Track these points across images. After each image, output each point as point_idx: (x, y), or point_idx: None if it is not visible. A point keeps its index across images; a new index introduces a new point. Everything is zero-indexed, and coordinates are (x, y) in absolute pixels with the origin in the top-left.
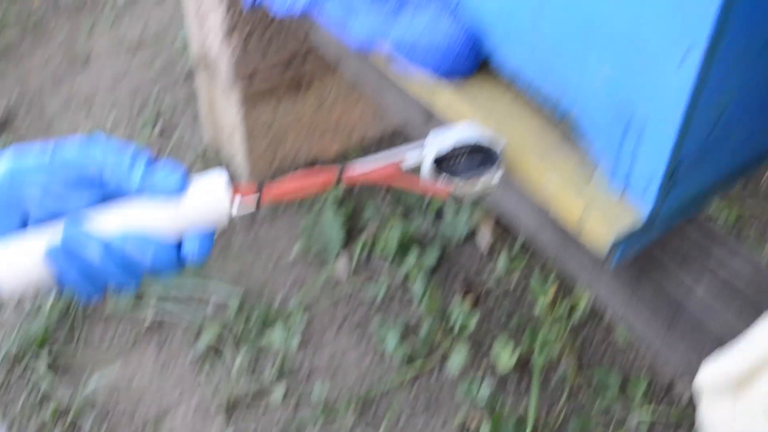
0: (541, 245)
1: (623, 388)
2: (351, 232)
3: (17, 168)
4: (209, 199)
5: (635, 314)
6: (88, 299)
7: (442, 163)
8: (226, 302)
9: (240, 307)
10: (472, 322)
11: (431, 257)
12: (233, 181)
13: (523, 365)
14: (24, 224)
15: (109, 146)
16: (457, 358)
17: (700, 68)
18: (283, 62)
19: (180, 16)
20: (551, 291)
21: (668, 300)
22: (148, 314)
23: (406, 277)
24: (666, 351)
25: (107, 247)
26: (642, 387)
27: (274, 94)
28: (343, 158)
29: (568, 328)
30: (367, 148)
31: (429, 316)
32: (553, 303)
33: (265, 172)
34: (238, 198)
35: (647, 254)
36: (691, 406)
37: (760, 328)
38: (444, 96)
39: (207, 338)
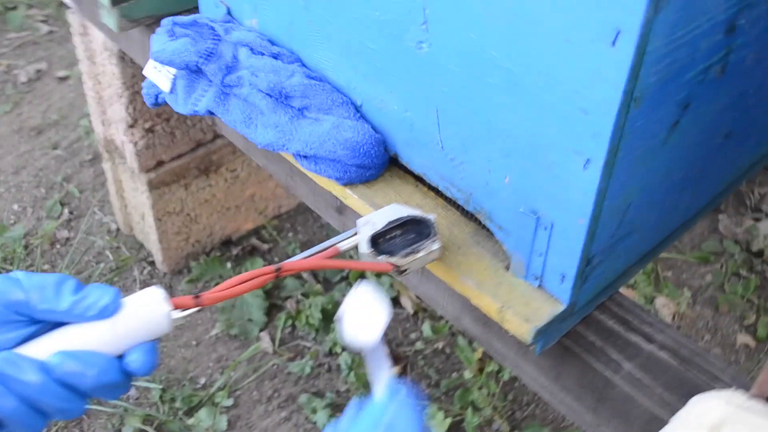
0: (463, 328)
1: None
2: (272, 308)
3: None
4: (147, 317)
5: (563, 394)
6: None
7: (378, 242)
8: (148, 386)
9: (163, 391)
10: None
11: None
12: (167, 292)
13: (456, 429)
14: None
15: (30, 278)
16: None
17: (603, 171)
18: (188, 150)
19: (84, 95)
20: (478, 351)
21: (596, 377)
22: None
23: (332, 349)
24: (597, 429)
25: (46, 367)
26: None
27: (182, 179)
28: (258, 232)
29: (499, 387)
30: (283, 221)
31: (358, 387)
32: (481, 362)
33: (179, 253)
34: (177, 312)
35: (571, 332)
36: None
37: (686, 416)
38: (355, 191)
39: (131, 425)
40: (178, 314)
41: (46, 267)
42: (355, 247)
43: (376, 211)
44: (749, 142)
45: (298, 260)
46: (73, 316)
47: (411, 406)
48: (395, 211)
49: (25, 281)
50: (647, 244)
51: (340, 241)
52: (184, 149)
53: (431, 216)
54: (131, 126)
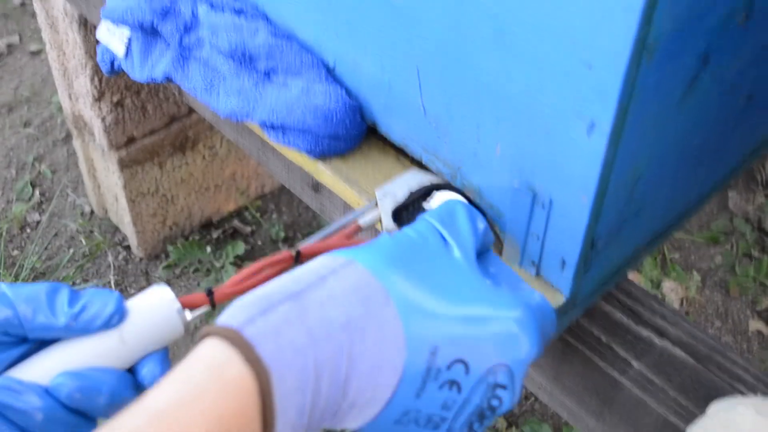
0: None
1: None
2: None
3: None
4: (158, 322)
5: (563, 396)
6: None
7: (400, 214)
8: None
9: None
10: None
11: None
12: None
13: None
14: None
15: (17, 291)
16: None
17: (610, 138)
18: (162, 126)
19: None
20: None
21: (600, 377)
22: None
23: None
24: None
25: (49, 392)
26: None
27: (156, 157)
28: (240, 214)
29: None
30: (267, 201)
31: None
32: None
33: (155, 236)
34: (187, 312)
35: (573, 326)
36: None
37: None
38: (328, 165)
39: None
40: (190, 315)
41: (15, 253)
42: (376, 222)
43: (393, 179)
44: None
45: (317, 242)
46: (74, 330)
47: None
48: (415, 179)
49: (12, 295)
50: (658, 224)
51: (359, 216)
52: (158, 125)
53: (454, 180)
54: (98, 100)
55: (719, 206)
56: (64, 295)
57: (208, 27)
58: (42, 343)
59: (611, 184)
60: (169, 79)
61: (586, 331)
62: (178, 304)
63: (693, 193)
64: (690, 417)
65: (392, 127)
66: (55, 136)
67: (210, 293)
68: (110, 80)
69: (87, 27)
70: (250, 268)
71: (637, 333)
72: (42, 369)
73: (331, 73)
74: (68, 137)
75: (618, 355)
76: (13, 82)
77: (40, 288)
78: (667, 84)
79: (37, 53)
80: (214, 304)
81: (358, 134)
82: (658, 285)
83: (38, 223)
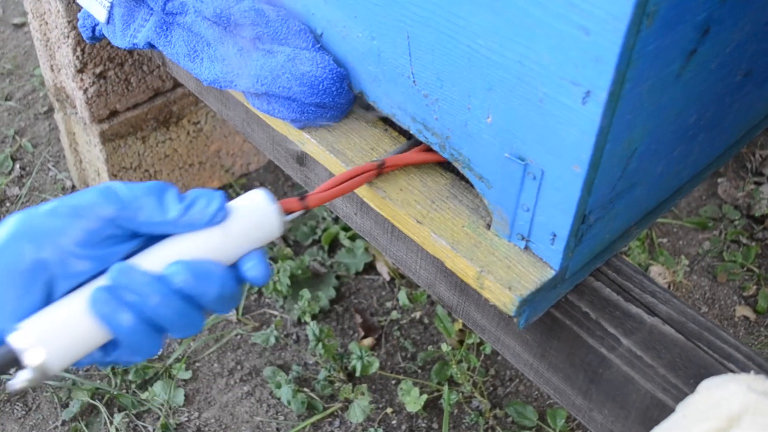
0: (437, 296)
1: (542, 419)
2: None
3: (30, 229)
4: (258, 221)
5: (550, 374)
6: (145, 356)
7: None
8: None
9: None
10: (374, 365)
11: (326, 295)
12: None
13: (433, 405)
14: (49, 296)
15: (130, 189)
16: (360, 404)
17: (606, 106)
18: (145, 99)
19: None
20: (459, 321)
21: (588, 354)
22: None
23: (300, 319)
24: (588, 414)
25: (164, 279)
26: (563, 414)
27: (139, 132)
28: (225, 191)
29: (480, 361)
30: (252, 180)
31: (327, 360)
32: (461, 333)
33: None
34: (284, 214)
35: (562, 302)
36: None
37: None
38: (314, 135)
39: (79, 399)
40: (286, 218)
41: None
42: None
43: None
44: None
45: (398, 155)
46: (181, 225)
47: None
48: None
49: (125, 192)
50: (652, 201)
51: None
52: (141, 98)
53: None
54: (80, 71)
55: (708, 192)
56: (172, 193)
57: None
58: (148, 241)
59: (605, 156)
60: (151, 46)
61: (575, 306)
62: (277, 206)
63: (687, 171)
64: (679, 395)
65: (380, 97)
66: (36, 109)
67: (303, 198)
68: (93, 51)
69: None
70: (338, 176)
71: (626, 309)
72: (155, 259)
73: (318, 41)
74: (50, 111)
75: (607, 332)
76: None
77: (151, 186)
78: (665, 54)
79: (20, 26)
80: (307, 208)
81: (345, 103)
82: (645, 269)
83: (18, 197)
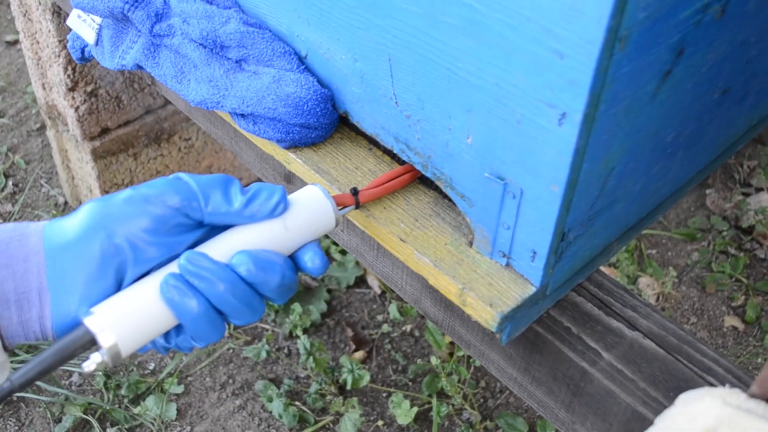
0: (423, 312)
1: (532, 430)
2: None
3: (106, 216)
4: (316, 214)
5: (533, 387)
6: (206, 342)
7: None
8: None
9: (108, 377)
10: (365, 378)
11: (317, 309)
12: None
13: (424, 418)
14: (119, 281)
15: (198, 180)
16: (351, 417)
17: (581, 127)
18: (136, 117)
19: None
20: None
21: (570, 368)
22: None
23: (292, 332)
24: (572, 427)
25: (230, 270)
26: (553, 427)
27: (130, 149)
28: None
29: (470, 373)
30: None
31: (318, 374)
32: (452, 346)
33: None
34: (338, 209)
35: (544, 317)
36: None
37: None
38: (299, 155)
39: (72, 414)
40: (340, 212)
41: None
42: None
43: None
44: (748, 100)
45: None
46: (245, 217)
47: None
48: None
49: (193, 183)
50: (631, 218)
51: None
52: (132, 115)
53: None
54: (71, 89)
55: (697, 204)
56: (236, 185)
57: (179, 15)
58: (211, 231)
59: (582, 175)
60: (139, 67)
61: (557, 321)
62: (332, 200)
63: (667, 187)
64: (659, 408)
65: (364, 117)
66: (29, 126)
67: (355, 193)
68: (84, 70)
69: (60, 15)
70: (383, 175)
71: (607, 324)
72: (221, 249)
73: (303, 62)
74: (43, 128)
75: (588, 346)
76: None
77: (217, 178)
78: (640, 75)
79: (12, 43)
80: (359, 203)
81: (330, 123)
82: (634, 281)
83: (11, 213)
